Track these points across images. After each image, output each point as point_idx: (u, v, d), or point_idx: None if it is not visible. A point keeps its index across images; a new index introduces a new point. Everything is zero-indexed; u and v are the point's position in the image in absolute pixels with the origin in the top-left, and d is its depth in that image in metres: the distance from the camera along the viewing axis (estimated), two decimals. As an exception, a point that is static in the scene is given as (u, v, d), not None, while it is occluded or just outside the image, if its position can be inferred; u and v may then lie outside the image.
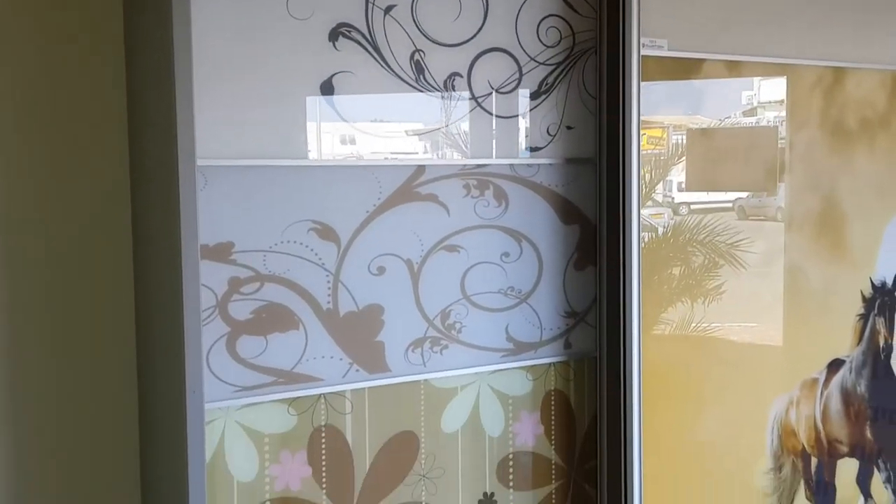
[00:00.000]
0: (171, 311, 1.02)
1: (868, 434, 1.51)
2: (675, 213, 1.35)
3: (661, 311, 1.32)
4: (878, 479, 1.53)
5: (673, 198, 1.35)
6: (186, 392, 0.95)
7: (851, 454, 1.49)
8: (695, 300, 1.33)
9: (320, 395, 1.13)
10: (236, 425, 1.07)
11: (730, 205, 1.38)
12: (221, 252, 1.06)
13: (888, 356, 1.51)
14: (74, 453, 1.22)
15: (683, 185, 1.35)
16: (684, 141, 1.33)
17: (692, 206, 1.36)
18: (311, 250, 1.12)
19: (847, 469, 1.50)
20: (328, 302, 1.13)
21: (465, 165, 1.22)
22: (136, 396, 1.27)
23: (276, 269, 1.09)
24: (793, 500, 1.43)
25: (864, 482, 1.52)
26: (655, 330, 1.31)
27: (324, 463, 1.14)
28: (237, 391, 1.07)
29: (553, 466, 1.34)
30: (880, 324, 1.51)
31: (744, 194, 1.40)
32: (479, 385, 1.26)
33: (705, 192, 1.38)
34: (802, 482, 1.44)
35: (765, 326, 1.41)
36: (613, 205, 1.29)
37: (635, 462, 1.28)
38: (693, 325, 1.34)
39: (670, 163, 1.33)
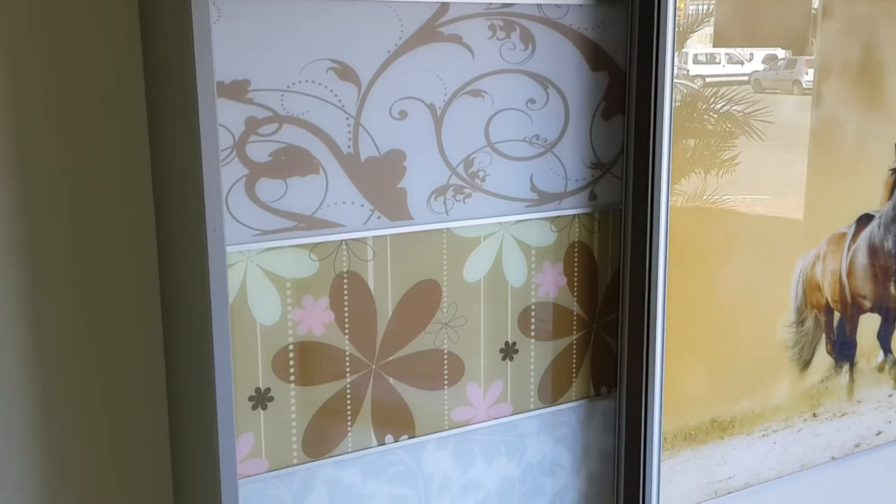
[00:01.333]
0: (189, 150, 0.99)
1: (892, 290, 1.50)
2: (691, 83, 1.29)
3: (675, 181, 1.28)
4: (898, 336, 1.53)
5: (688, 70, 1.29)
6: (207, 231, 0.93)
7: (874, 310, 1.49)
8: (712, 170, 1.29)
9: (342, 241, 1.11)
10: (258, 269, 1.06)
11: (746, 78, 1.32)
12: (237, 90, 1.01)
13: (918, 212, 1.48)
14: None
15: (699, 57, 1.28)
16: (702, 9, 1.26)
17: (707, 80, 1.30)
18: (331, 91, 1.07)
19: (869, 324, 1.49)
20: (349, 146, 1.10)
21: (490, 4, 1.16)
22: (155, 247, 1.26)
23: (295, 110, 1.05)
24: (813, 354, 1.43)
25: (885, 338, 1.51)
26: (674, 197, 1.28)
27: (346, 309, 1.13)
28: (257, 235, 1.05)
29: (574, 317, 1.33)
30: (912, 179, 1.47)
31: (761, 67, 1.34)
32: (503, 235, 1.24)
33: (724, 61, 1.31)
34: (824, 336, 1.43)
35: (788, 193, 1.38)
36: (646, 51, 1.23)
37: (658, 314, 1.27)
38: (711, 196, 1.30)
39: (686, 34, 1.25)
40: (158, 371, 1.28)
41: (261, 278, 1.06)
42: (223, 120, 1.00)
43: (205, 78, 0.95)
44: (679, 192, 1.27)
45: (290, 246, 1.08)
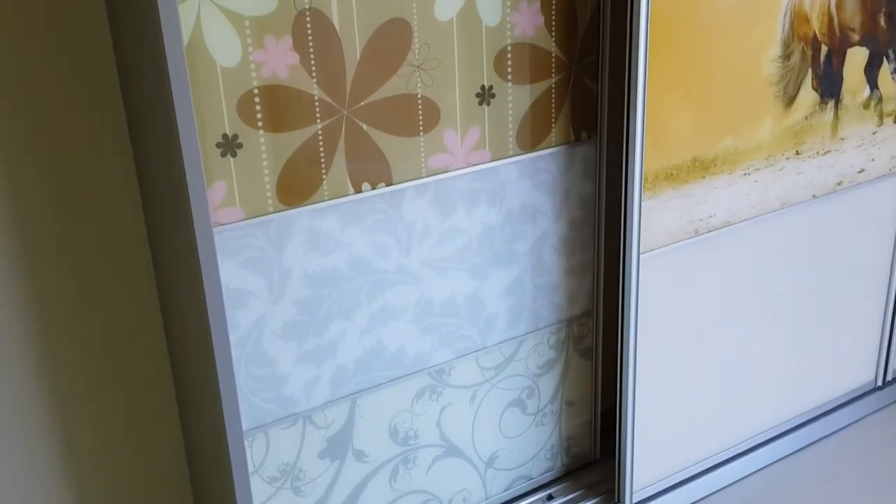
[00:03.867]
0: None
1: (882, 22, 1.44)
2: None
3: None
4: (886, 71, 1.49)
5: None
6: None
7: (862, 43, 1.43)
8: None
9: (301, -25, 1.04)
10: (212, 5, 0.99)
11: None
12: None
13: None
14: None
15: None
16: None
17: None
18: None
19: (856, 59, 1.44)
20: None
21: None
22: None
23: None
24: (798, 89, 1.39)
25: (871, 73, 1.47)
26: None
27: (311, 50, 1.07)
28: (209, -33, 0.98)
29: (553, 59, 1.28)
30: None
31: None
32: (474, -32, 1.16)
33: None
34: (810, 71, 1.39)
35: None
36: None
37: (640, 52, 1.21)
38: None
39: None
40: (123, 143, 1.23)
41: (216, 16, 1.00)
42: None
43: None
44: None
45: None
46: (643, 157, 1.27)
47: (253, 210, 1.09)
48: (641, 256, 1.33)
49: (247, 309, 1.13)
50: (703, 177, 1.34)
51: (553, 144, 1.33)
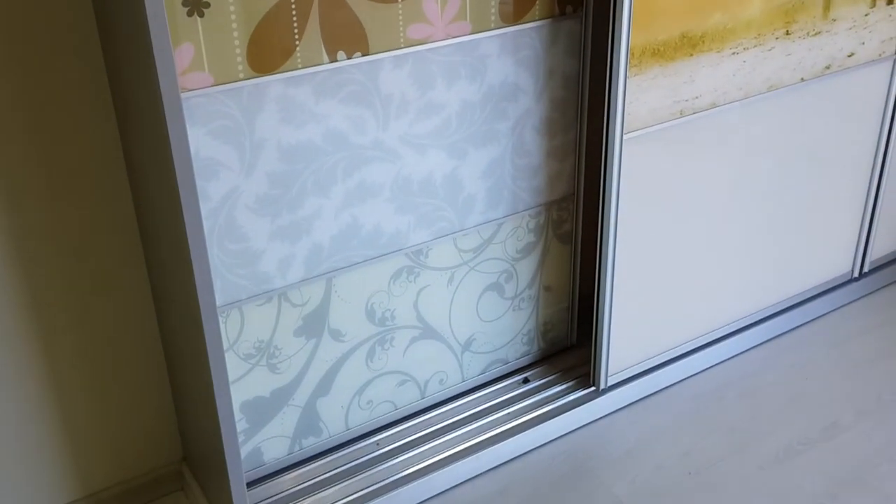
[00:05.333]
0: None
1: None
2: None
3: None
4: (882, -51, 1.44)
5: None
6: None
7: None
8: None
9: None
10: None
11: None
12: None
13: None
14: None
15: None
16: None
17: None
18: None
19: (853, -66, 1.39)
20: None
21: None
22: None
23: None
24: (792, -35, 1.34)
25: (868, -50, 1.42)
26: None
27: None
28: None
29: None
30: None
31: None
32: None
33: None
34: (805, -55, 1.33)
35: None
36: None
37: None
38: None
39: None
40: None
41: None
42: None
43: None
44: None
45: None
46: (630, 31, 1.22)
47: (222, 76, 1.04)
48: (625, 137, 1.30)
49: (217, 180, 1.10)
50: (691, 55, 1.30)
51: (536, 18, 1.28)
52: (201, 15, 1.00)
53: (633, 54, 1.24)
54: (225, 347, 1.19)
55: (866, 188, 1.68)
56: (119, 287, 1.25)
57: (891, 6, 1.49)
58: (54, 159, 1.15)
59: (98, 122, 1.15)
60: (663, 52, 1.27)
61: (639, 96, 1.28)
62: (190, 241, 1.00)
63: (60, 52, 1.10)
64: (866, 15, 1.47)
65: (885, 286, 1.83)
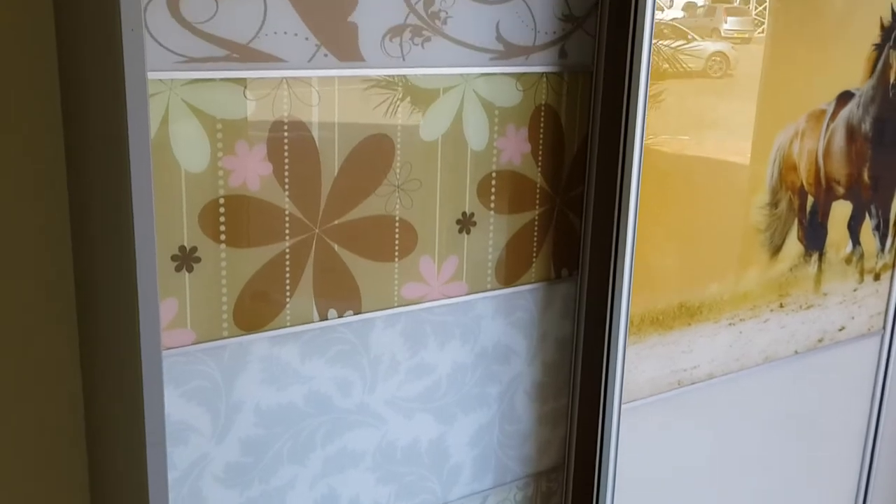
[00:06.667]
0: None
1: (865, 177, 1.42)
2: None
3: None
4: (868, 227, 1.46)
5: None
6: (123, 32, 0.76)
7: (847, 197, 1.40)
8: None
9: (282, 79, 0.95)
10: (183, 105, 0.89)
11: None
12: None
13: (896, 94, 1.39)
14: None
15: None
16: None
17: None
18: None
19: (840, 212, 1.41)
20: (292, -34, 0.93)
21: None
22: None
23: (229, -87, 0.88)
24: (784, 239, 1.34)
25: (855, 228, 1.44)
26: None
27: (287, 161, 0.97)
28: (183, 62, 0.88)
29: (538, 190, 1.20)
30: (893, 58, 1.38)
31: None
32: (464, 89, 1.10)
33: None
34: (796, 221, 1.34)
35: (768, 65, 1.26)
36: None
37: (632, 190, 1.15)
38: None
39: None
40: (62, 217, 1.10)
41: (186, 115, 0.90)
42: (141, -86, 0.83)
43: None
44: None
45: (221, 79, 0.91)
46: (630, 298, 1.19)
47: (205, 333, 0.96)
48: (623, 407, 1.23)
49: (186, 446, 0.98)
50: (689, 324, 1.26)
51: (532, 280, 1.24)
52: (190, 270, 0.93)
53: (632, 322, 1.20)
54: None
55: (860, 461, 1.62)
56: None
57: (877, 282, 1.50)
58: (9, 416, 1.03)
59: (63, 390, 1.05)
60: (662, 321, 1.23)
61: (637, 364, 1.22)
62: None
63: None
64: (855, 290, 1.47)
65: (883, 568, 1.72)
